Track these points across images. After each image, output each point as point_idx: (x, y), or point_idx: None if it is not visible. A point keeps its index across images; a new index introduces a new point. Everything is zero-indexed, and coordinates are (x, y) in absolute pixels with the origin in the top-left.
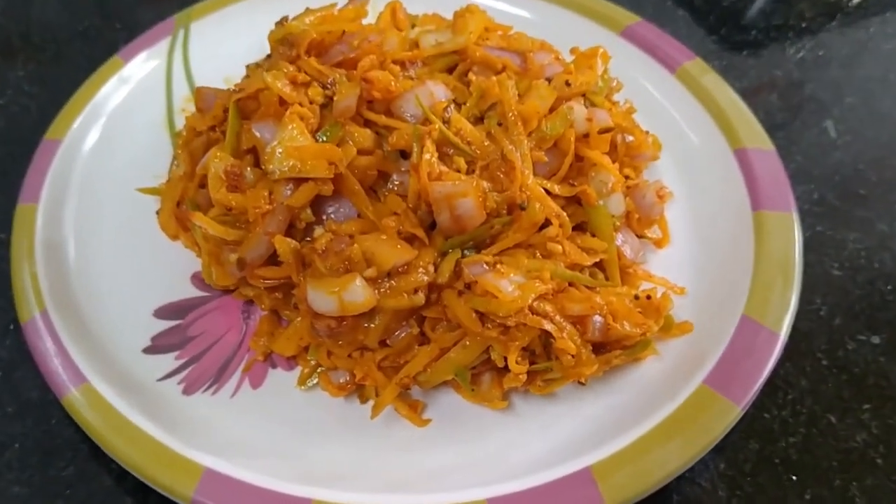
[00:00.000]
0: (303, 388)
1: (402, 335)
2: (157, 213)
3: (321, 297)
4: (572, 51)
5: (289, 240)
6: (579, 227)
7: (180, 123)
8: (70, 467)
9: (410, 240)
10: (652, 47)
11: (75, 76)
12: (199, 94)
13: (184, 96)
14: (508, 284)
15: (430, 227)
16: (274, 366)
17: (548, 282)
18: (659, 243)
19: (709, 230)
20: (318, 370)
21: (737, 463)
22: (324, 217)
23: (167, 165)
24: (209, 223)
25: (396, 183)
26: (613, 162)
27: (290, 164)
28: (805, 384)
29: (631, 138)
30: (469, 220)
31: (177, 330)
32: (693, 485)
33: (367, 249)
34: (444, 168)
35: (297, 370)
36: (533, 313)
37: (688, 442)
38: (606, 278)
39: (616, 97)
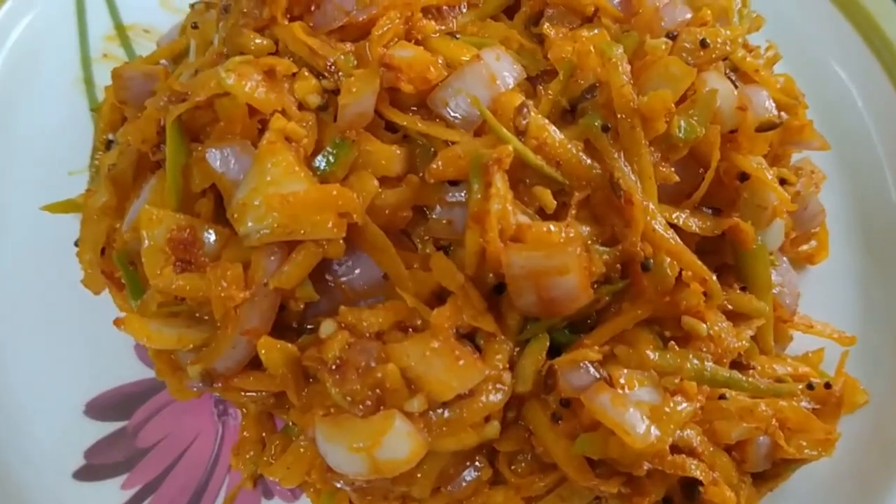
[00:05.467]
0: None
1: (467, 479)
2: (76, 244)
3: (341, 454)
4: None
5: (281, 344)
6: (718, 271)
7: (102, 78)
8: None
9: (471, 333)
10: None
11: None
12: (119, 80)
13: (104, 34)
14: (638, 417)
15: (496, 289)
16: (269, 495)
17: (694, 396)
18: (813, 258)
19: (878, 235)
20: None
21: None
22: (329, 282)
23: (87, 151)
24: (150, 335)
25: (442, 222)
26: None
27: (277, 221)
28: None
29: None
30: (567, 302)
31: (120, 438)
32: None
33: (411, 369)
34: (523, 218)
35: (304, 500)
36: (673, 451)
37: None
38: (759, 347)
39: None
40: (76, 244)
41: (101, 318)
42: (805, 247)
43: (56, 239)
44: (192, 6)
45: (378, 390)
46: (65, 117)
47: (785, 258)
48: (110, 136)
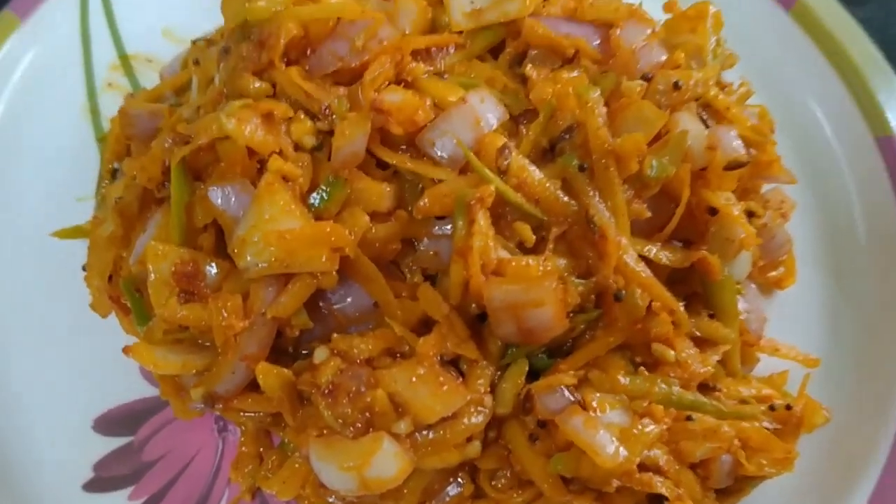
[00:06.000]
0: None
1: (451, 495)
2: (84, 269)
3: (333, 472)
4: (667, 6)
5: (277, 370)
6: (688, 300)
7: (107, 107)
8: None
9: (454, 359)
10: None
11: None
12: (125, 118)
13: (109, 63)
14: (607, 438)
15: (479, 317)
16: None
17: (661, 419)
18: (780, 283)
19: (843, 260)
20: None
21: None
22: (323, 309)
23: (94, 179)
24: (156, 362)
25: (429, 253)
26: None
27: (274, 256)
28: None
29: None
30: (544, 332)
31: (127, 452)
32: None
33: (398, 394)
34: (503, 253)
35: None
36: (641, 469)
37: None
38: (726, 369)
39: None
40: (84, 269)
41: (109, 338)
42: (773, 273)
43: (64, 262)
44: (193, 42)
45: (367, 413)
46: (72, 145)
47: (753, 284)
48: (115, 166)
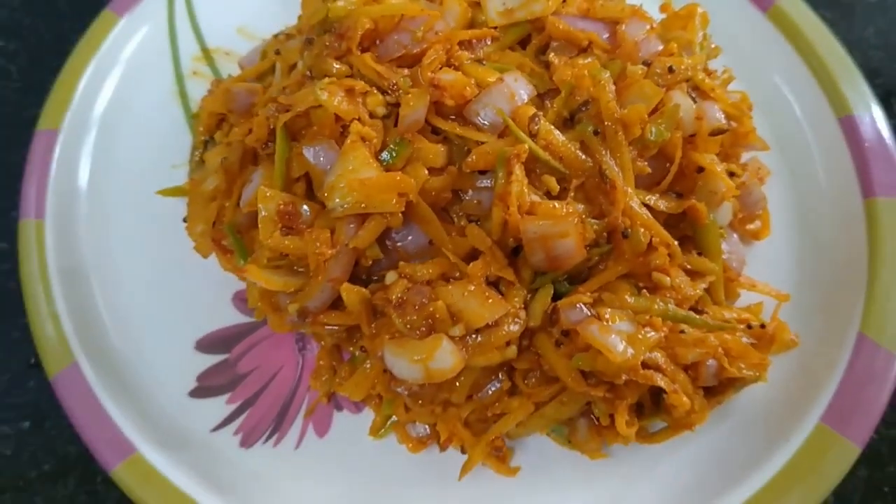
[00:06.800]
0: (376, 438)
1: (492, 390)
2: (185, 221)
3: (403, 365)
4: (663, 7)
5: (357, 288)
6: (681, 241)
7: (192, 90)
8: None
9: (496, 281)
10: None
11: (58, 26)
12: (227, 94)
13: (192, 55)
14: (618, 340)
15: (514, 252)
16: (339, 408)
17: (659, 328)
18: (758, 235)
19: (811, 217)
20: (393, 419)
21: (845, 494)
22: (389, 246)
23: (184, 150)
24: (266, 279)
25: (473, 202)
26: (717, 156)
27: (355, 199)
28: None
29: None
30: (567, 259)
31: (224, 367)
32: None
33: (453, 304)
34: (534, 197)
35: (367, 413)
36: (644, 367)
37: (807, 492)
38: (712, 299)
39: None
40: (184, 220)
41: (208, 277)
42: (751, 226)
43: (165, 215)
44: (275, 36)
45: (430, 320)
46: (164, 123)
47: (735, 234)
48: (206, 138)
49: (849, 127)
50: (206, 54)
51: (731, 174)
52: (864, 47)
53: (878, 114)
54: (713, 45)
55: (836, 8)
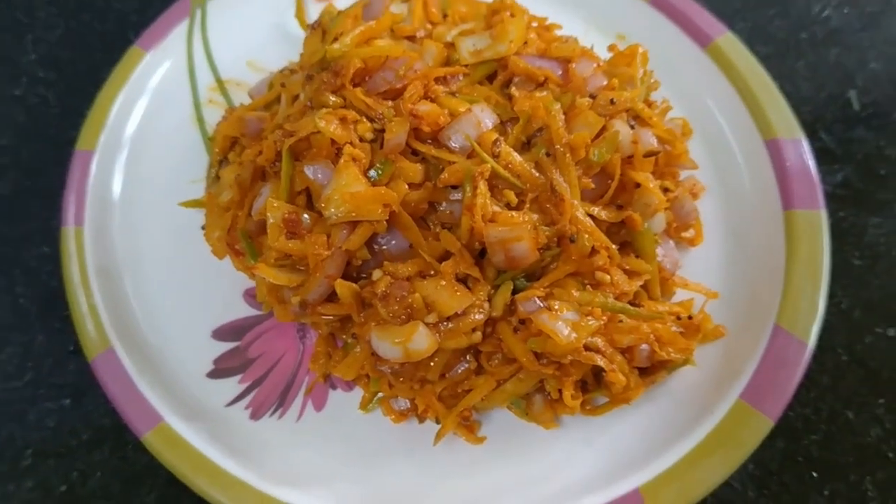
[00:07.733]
0: (364, 412)
1: (461, 369)
2: (203, 228)
3: (386, 346)
4: (610, 48)
5: (349, 283)
6: (622, 245)
7: (208, 116)
8: (152, 493)
9: (464, 278)
10: (683, 19)
11: (90, 58)
12: (240, 121)
13: (208, 85)
14: (564, 326)
15: (480, 254)
16: (334, 387)
17: (600, 317)
18: (692, 241)
19: (739, 227)
20: (379, 395)
21: (764, 462)
22: (375, 248)
23: (202, 167)
24: (273, 275)
25: (446, 212)
26: (653, 174)
27: (347, 209)
28: (826, 381)
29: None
30: (522, 259)
31: (236, 352)
32: (725, 486)
33: (428, 296)
34: (496, 208)
35: (357, 391)
36: (586, 349)
37: (726, 458)
38: (649, 294)
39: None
40: (203, 228)
41: (223, 276)
42: (686, 234)
43: (187, 223)
44: (280, 71)
45: (408, 310)
46: (184, 143)
47: (670, 240)
48: (221, 158)
49: (773, 148)
50: (220, 85)
51: (666, 189)
52: (795, 79)
53: (798, 136)
54: (653, 80)
55: (771, 43)
